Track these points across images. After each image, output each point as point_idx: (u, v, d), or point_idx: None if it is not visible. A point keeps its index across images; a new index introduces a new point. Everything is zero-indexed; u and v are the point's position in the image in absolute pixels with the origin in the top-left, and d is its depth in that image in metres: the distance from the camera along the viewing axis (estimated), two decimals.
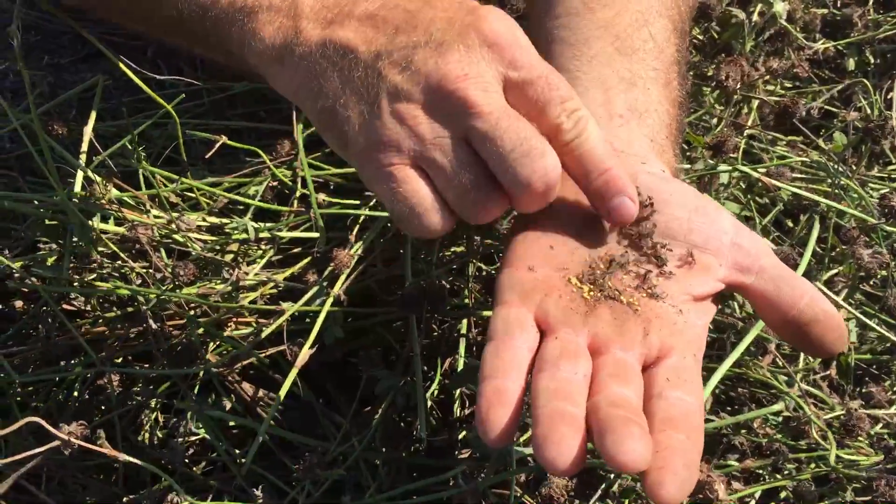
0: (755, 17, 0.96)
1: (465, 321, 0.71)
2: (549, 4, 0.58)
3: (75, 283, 0.71)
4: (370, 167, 0.48)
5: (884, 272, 0.71)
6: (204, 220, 0.78)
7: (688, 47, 0.62)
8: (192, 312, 0.72)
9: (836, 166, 0.77)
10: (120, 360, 0.73)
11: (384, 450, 0.64)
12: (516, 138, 0.46)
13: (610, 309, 0.47)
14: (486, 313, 0.70)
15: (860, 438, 0.65)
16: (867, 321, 0.72)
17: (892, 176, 0.92)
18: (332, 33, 0.49)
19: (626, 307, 0.47)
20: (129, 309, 0.73)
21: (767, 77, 0.96)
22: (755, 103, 0.91)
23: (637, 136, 0.54)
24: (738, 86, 0.82)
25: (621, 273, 0.49)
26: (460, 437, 0.65)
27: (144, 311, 0.69)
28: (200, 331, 0.70)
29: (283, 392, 0.64)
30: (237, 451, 0.67)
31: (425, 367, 0.70)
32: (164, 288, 0.70)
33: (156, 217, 0.75)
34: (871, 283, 0.83)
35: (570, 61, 0.56)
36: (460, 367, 0.70)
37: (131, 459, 0.64)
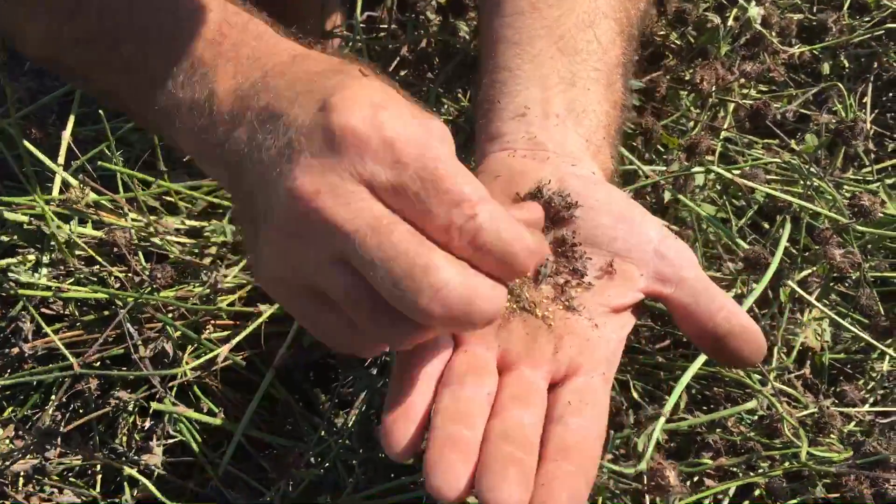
0: (731, 22, 0.97)
1: None
2: (497, 3, 0.59)
3: (53, 287, 0.71)
4: (274, 296, 0.46)
5: (857, 272, 0.72)
6: (182, 223, 0.78)
7: (635, 50, 0.62)
8: (169, 316, 0.72)
9: (808, 168, 0.78)
10: (98, 364, 0.73)
11: (361, 450, 0.65)
12: (391, 256, 0.37)
13: (523, 323, 0.47)
14: None
15: (832, 436, 0.66)
16: (841, 321, 0.73)
17: (867, 178, 0.93)
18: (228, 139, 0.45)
19: (541, 321, 0.47)
20: (106, 312, 0.73)
21: (743, 81, 0.98)
22: (731, 106, 0.92)
23: (572, 136, 0.53)
24: (714, 89, 0.83)
25: (540, 282, 0.48)
26: None
27: (122, 314, 0.69)
28: (178, 334, 0.71)
29: (259, 393, 0.64)
30: (214, 454, 0.67)
31: None
32: (141, 291, 0.71)
33: (134, 220, 0.76)
34: (846, 283, 0.84)
35: (512, 59, 0.56)
36: None
37: (110, 462, 0.65)
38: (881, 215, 0.75)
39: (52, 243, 0.72)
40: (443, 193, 0.38)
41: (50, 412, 0.69)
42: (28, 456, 0.67)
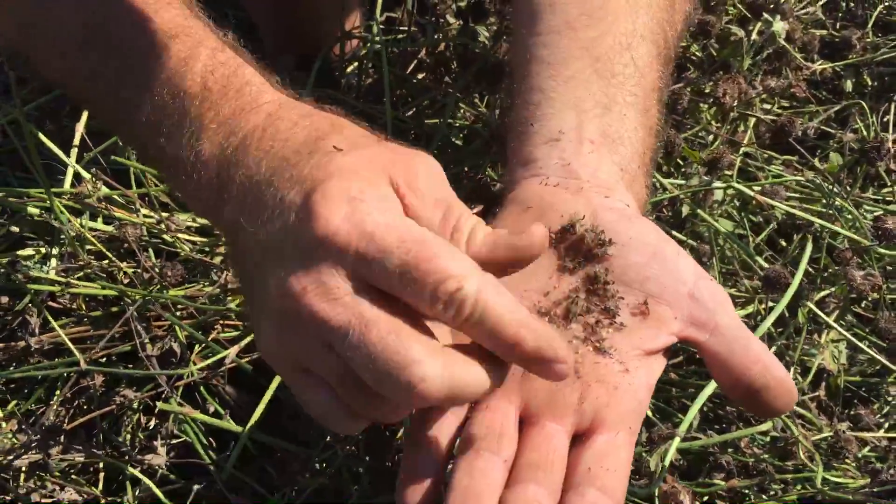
0: (754, 36, 0.96)
1: None
2: (532, 21, 0.56)
3: (62, 282, 0.70)
4: (274, 367, 0.46)
5: (876, 294, 0.71)
6: (194, 220, 0.77)
7: (671, 74, 0.60)
8: (178, 315, 0.71)
9: (830, 187, 0.77)
10: (104, 360, 0.72)
11: (367, 458, 0.64)
12: (371, 353, 0.38)
13: None
14: None
15: (847, 461, 0.65)
16: (858, 343, 0.72)
17: (887, 198, 0.92)
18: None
19: None
20: (115, 308, 0.72)
21: (765, 95, 0.97)
22: (752, 121, 0.91)
23: (606, 164, 0.51)
24: (735, 103, 0.82)
25: (570, 321, 0.46)
26: None
27: (130, 311, 0.68)
28: (185, 333, 0.70)
29: (266, 397, 0.64)
30: (218, 456, 0.67)
31: None
32: (150, 289, 0.70)
33: (145, 216, 0.75)
34: (863, 305, 0.82)
35: (546, 80, 0.54)
36: None
37: (111, 461, 0.64)
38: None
39: (63, 237, 0.71)
40: (428, 274, 0.39)
41: (54, 408, 0.69)
42: (30, 452, 0.66)
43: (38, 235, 0.73)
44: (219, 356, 0.67)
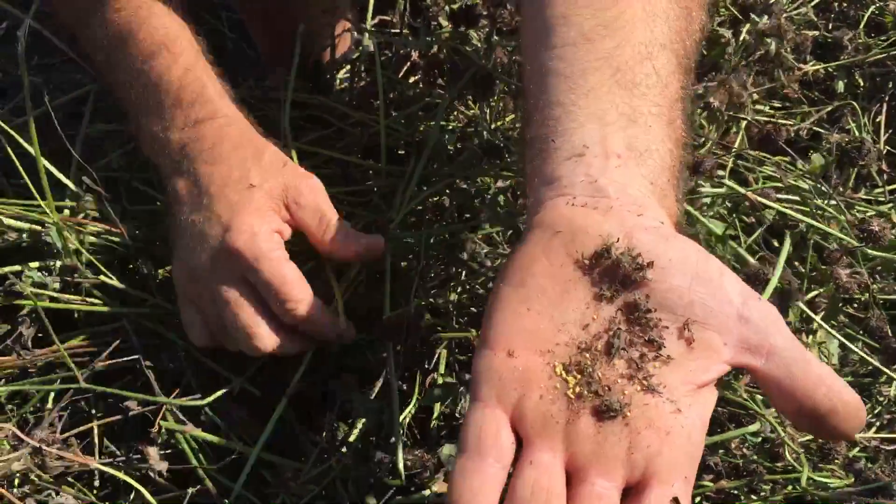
0: (744, 36, 0.96)
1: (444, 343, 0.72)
2: (545, 35, 0.54)
3: (63, 299, 0.71)
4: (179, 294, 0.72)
5: (864, 294, 0.71)
6: None
7: (691, 86, 0.57)
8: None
9: (817, 187, 0.77)
10: (104, 370, 0.72)
11: (358, 469, 0.64)
12: (233, 324, 0.66)
13: (594, 418, 0.42)
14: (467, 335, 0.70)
15: (836, 461, 0.65)
16: (849, 344, 0.72)
17: (879, 199, 0.93)
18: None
19: (614, 413, 0.42)
20: (116, 325, 0.73)
21: (756, 97, 0.97)
22: (743, 123, 0.91)
23: (635, 178, 0.48)
24: (724, 108, 0.83)
25: (613, 356, 0.43)
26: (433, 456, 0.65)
27: (129, 331, 0.71)
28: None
29: (273, 419, 0.67)
30: (212, 466, 0.67)
31: (405, 387, 0.72)
32: (151, 307, 0.71)
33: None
34: (855, 305, 0.83)
35: (566, 94, 0.51)
36: (440, 381, 0.70)
37: (105, 468, 0.65)
38: (891, 237, 0.74)
39: (58, 250, 0.71)
40: (278, 294, 0.65)
41: (49, 416, 0.69)
42: (26, 457, 0.66)
43: (36, 248, 0.73)
44: (221, 391, 0.69)
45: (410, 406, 0.68)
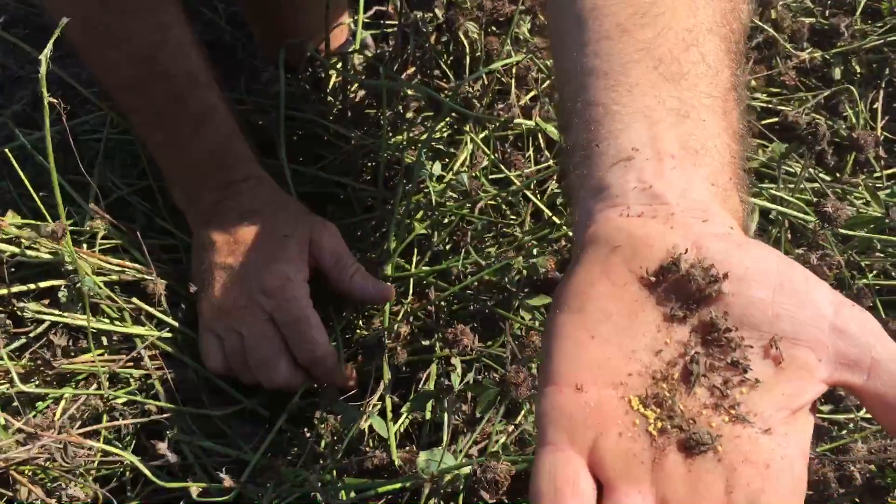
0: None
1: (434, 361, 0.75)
2: (575, 30, 0.49)
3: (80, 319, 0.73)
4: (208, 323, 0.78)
5: (833, 273, 0.72)
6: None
7: (743, 71, 0.51)
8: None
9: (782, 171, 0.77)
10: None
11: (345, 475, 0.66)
12: (257, 357, 0.73)
13: (683, 454, 0.37)
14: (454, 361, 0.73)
15: (824, 443, 0.66)
16: None
17: (878, 185, 0.93)
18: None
19: (705, 447, 0.37)
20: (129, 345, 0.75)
21: (754, 84, 0.97)
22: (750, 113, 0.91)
23: (694, 180, 0.43)
24: None
25: (693, 385, 0.39)
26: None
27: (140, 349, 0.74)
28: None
29: (274, 430, 0.71)
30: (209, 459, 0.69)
31: (395, 398, 0.75)
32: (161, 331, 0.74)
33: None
34: (844, 291, 0.83)
35: (605, 93, 0.46)
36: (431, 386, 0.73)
37: (106, 447, 0.66)
38: (847, 217, 0.74)
39: (74, 274, 0.73)
40: (301, 335, 0.73)
41: (62, 417, 0.70)
42: (36, 449, 0.67)
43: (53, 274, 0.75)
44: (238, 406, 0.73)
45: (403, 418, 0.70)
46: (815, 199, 0.74)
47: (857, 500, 0.66)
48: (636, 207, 0.42)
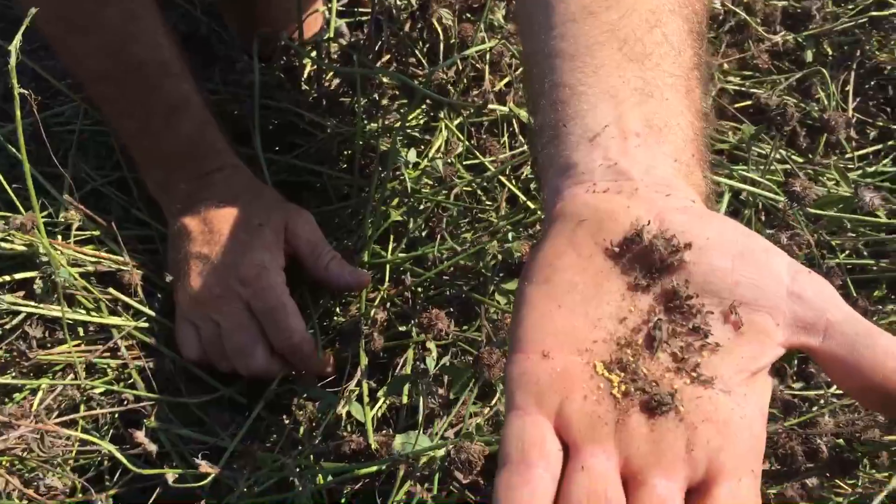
0: (716, 8, 0.97)
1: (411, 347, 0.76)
2: (543, 14, 0.50)
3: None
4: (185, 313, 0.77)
5: (803, 251, 0.73)
6: None
7: (706, 51, 0.53)
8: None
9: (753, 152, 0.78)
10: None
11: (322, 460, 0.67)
12: (232, 346, 0.73)
13: (645, 415, 0.39)
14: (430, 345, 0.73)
15: (792, 418, 0.67)
16: None
17: (849, 167, 0.94)
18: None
19: (666, 407, 0.39)
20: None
21: (727, 67, 0.98)
22: (712, 92, 0.92)
23: (659, 157, 0.44)
24: None
25: (656, 350, 0.40)
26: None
27: (117, 338, 0.74)
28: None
29: (250, 419, 0.71)
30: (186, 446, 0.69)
31: (373, 383, 0.76)
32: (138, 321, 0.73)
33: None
34: (813, 263, 0.84)
35: (572, 74, 0.47)
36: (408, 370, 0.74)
37: (84, 436, 0.66)
38: (815, 198, 0.75)
39: (48, 265, 0.73)
40: (278, 322, 0.73)
41: (39, 406, 0.70)
42: (13, 440, 0.68)
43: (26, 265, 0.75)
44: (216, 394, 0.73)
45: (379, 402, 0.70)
46: (784, 180, 0.75)
47: (828, 475, 0.67)
48: (602, 184, 0.43)
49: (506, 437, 0.39)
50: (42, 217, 0.69)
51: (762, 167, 0.83)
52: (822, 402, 0.73)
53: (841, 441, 0.65)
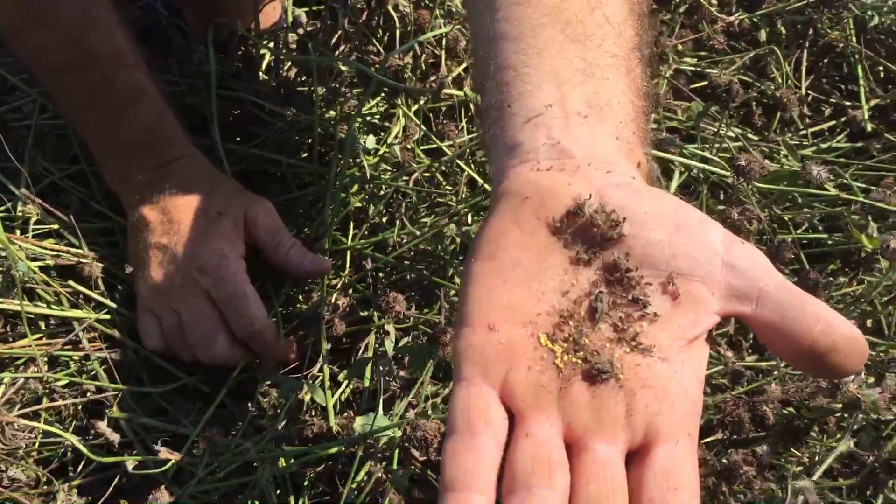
0: None
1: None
2: (487, 1, 0.51)
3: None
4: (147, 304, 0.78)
5: (754, 226, 0.74)
6: None
7: (647, 31, 0.54)
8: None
9: (726, 131, 0.80)
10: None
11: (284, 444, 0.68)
12: (195, 335, 0.74)
13: (587, 383, 0.40)
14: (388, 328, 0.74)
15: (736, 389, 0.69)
16: None
17: (803, 143, 0.96)
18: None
19: (606, 375, 0.40)
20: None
21: (681, 48, 0.99)
22: (667, 73, 0.93)
23: (599, 136, 0.45)
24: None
25: (597, 321, 0.41)
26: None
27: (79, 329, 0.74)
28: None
29: (213, 407, 0.72)
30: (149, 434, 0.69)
31: (336, 368, 0.77)
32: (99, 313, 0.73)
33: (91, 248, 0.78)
34: (764, 238, 0.86)
35: (517, 56, 0.48)
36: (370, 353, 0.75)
37: (47, 428, 0.66)
38: (762, 173, 0.76)
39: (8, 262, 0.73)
40: (238, 310, 0.74)
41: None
42: None
43: None
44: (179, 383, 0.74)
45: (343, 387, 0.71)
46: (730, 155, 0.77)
47: (781, 442, 0.69)
48: (545, 162, 0.45)
49: (452, 408, 0.40)
50: None
51: (716, 145, 0.84)
52: (775, 373, 0.75)
53: (792, 409, 0.67)
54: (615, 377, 0.40)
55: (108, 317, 0.77)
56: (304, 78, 0.93)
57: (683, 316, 0.41)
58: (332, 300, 0.78)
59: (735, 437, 0.62)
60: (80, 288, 0.77)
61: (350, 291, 0.81)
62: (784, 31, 1.02)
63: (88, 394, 0.73)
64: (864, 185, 0.86)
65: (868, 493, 0.67)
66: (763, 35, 1.00)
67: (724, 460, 0.62)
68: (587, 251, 0.42)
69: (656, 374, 0.40)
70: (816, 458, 0.67)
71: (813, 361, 0.41)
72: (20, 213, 0.78)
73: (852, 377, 0.61)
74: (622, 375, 0.40)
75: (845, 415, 0.64)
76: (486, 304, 0.42)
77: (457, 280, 0.78)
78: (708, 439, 0.66)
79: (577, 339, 0.41)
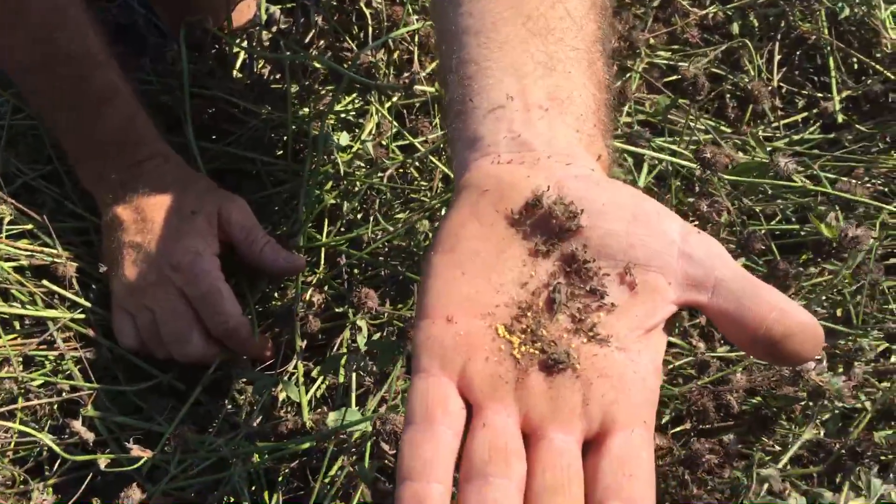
0: None
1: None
2: None
3: None
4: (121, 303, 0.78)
5: (724, 218, 0.75)
6: None
7: (610, 25, 0.55)
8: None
9: (693, 124, 0.80)
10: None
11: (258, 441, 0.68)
12: (169, 331, 0.74)
13: (544, 373, 0.41)
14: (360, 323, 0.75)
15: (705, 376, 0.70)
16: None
17: (776, 135, 0.96)
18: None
19: (563, 365, 0.41)
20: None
21: (654, 42, 1.00)
22: (639, 67, 0.94)
23: (560, 128, 0.46)
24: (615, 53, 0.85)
25: (555, 312, 0.42)
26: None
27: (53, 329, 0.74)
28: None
29: (188, 404, 0.72)
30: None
31: (311, 364, 0.77)
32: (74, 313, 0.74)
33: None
34: (736, 230, 0.87)
35: (478, 50, 0.48)
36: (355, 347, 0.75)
37: (22, 428, 0.67)
38: (725, 163, 0.76)
39: None
40: (213, 307, 0.74)
41: None
42: None
43: None
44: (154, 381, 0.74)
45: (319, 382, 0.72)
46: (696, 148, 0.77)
47: (750, 431, 0.70)
48: (506, 155, 0.45)
49: (411, 398, 0.41)
50: None
51: (686, 138, 0.85)
52: (744, 362, 0.75)
53: (759, 398, 0.68)
54: (572, 367, 0.40)
55: (82, 316, 0.77)
56: (277, 76, 0.94)
57: (641, 306, 0.42)
58: (307, 297, 0.79)
59: (701, 426, 0.62)
60: (55, 288, 0.77)
61: (325, 288, 0.82)
62: (757, 24, 1.02)
63: (64, 393, 0.74)
64: (833, 176, 0.86)
65: (837, 480, 0.68)
66: (736, 28, 1.00)
67: (687, 449, 0.62)
68: (546, 243, 0.43)
69: (613, 363, 0.41)
70: (786, 447, 0.68)
71: (769, 348, 0.41)
72: None
73: (813, 365, 0.62)
74: (579, 365, 0.40)
75: (810, 403, 0.65)
76: (444, 296, 0.43)
77: None
78: (676, 429, 0.67)
79: (535, 330, 0.41)
